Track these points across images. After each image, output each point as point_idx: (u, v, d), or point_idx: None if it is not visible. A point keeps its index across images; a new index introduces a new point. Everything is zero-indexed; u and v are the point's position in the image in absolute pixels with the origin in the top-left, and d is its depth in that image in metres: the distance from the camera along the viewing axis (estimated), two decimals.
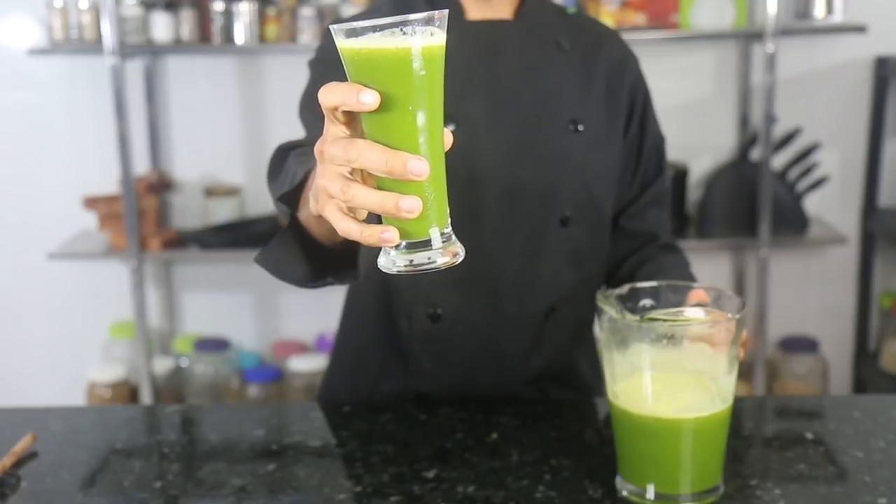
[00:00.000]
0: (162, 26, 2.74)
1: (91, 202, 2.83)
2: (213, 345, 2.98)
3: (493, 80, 1.27)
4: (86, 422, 1.29)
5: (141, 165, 2.94)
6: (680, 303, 1.07)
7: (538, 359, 1.33)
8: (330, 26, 0.77)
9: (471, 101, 1.25)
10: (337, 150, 0.77)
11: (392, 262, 0.78)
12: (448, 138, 0.79)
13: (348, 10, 2.74)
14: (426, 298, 1.28)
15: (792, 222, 2.84)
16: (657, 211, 1.41)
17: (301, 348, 3.05)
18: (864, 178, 2.95)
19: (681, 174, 2.85)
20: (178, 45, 2.78)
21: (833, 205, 2.98)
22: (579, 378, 1.39)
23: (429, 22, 0.74)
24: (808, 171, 2.86)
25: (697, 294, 1.07)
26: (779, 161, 2.86)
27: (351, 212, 0.80)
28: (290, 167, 1.06)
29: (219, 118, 2.98)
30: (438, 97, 0.77)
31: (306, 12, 2.72)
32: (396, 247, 0.78)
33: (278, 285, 3.27)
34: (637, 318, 1.02)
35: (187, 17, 2.74)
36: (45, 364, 3.12)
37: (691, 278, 1.32)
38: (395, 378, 1.35)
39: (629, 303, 1.07)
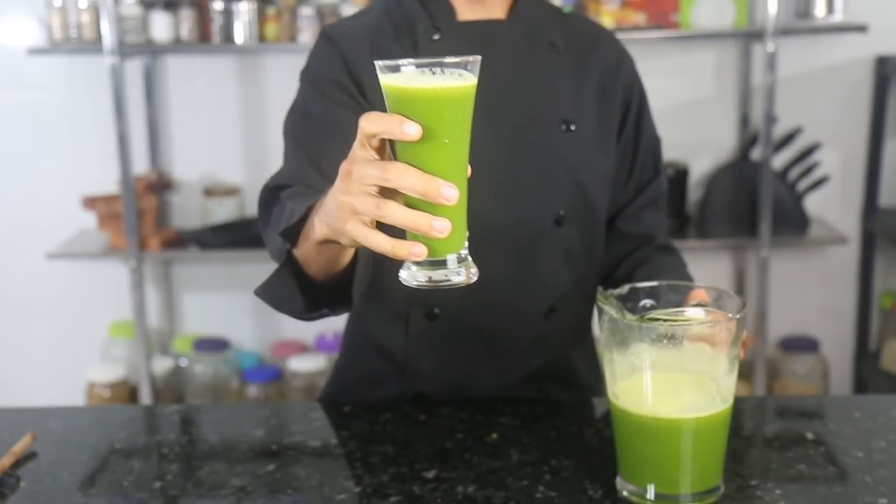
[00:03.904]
0: (161, 26, 2.74)
1: (90, 202, 2.83)
2: (213, 345, 2.97)
3: (485, 80, 1.26)
4: (85, 422, 1.29)
5: (140, 165, 2.93)
6: (680, 303, 1.07)
7: (537, 358, 1.33)
8: (375, 62, 0.84)
9: None
10: (372, 170, 0.83)
11: (413, 276, 0.86)
12: (468, 170, 0.86)
13: (348, 10, 2.73)
14: (423, 297, 1.28)
15: (792, 222, 2.84)
16: (653, 213, 1.41)
17: (301, 348, 3.04)
18: (865, 178, 2.94)
19: (681, 174, 2.85)
20: (177, 45, 2.77)
21: (834, 204, 2.98)
22: (578, 378, 1.39)
23: (462, 66, 0.82)
24: (808, 170, 2.86)
25: (698, 294, 1.07)
26: (779, 161, 2.86)
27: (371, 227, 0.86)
28: (286, 206, 1.11)
29: (218, 118, 2.98)
30: (466, 132, 0.84)
31: (306, 12, 2.72)
32: (419, 263, 0.85)
33: None
34: (637, 318, 1.02)
35: (187, 16, 2.74)
36: (45, 364, 3.12)
37: (688, 280, 1.31)
38: (395, 378, 1.34)
39: (629, 303, 1.07)
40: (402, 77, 0.82)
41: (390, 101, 0.84)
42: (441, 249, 0.85)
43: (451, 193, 0.81)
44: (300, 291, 1.08)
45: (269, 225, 1.18)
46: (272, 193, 1.21)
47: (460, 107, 0.83)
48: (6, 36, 2.94)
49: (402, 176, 0.81)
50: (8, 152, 3.00)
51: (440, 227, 0.82)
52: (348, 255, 1.05)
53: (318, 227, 0.96)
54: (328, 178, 1.18)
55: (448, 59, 0.82)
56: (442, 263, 0.85)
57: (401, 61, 0.82)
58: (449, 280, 0.85)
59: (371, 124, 0.83)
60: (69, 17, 2.75)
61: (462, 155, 0.84)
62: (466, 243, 0.87)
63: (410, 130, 0.80)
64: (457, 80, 0.82)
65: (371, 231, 0.86)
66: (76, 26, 2.75)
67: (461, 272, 0.86)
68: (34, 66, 2.92)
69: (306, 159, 1.22)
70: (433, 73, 0.82)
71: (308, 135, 1.25)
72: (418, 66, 0.82)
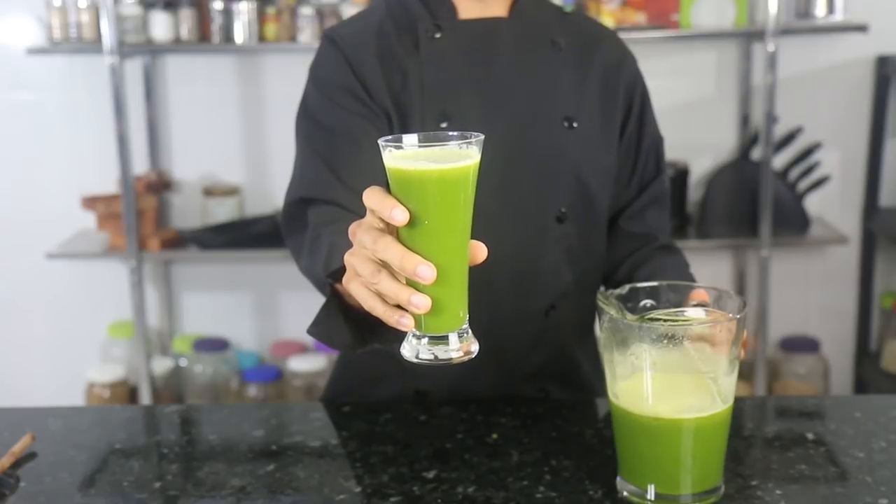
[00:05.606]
0: (161, 25, 2.74)
1: (90, 202, 2.83)
2: (213, 345, 2.97)
3: (487, 77, 1.27)
4: (85, 422, 1.29)
5: (140, 165, 2.93)
6: (680, 303, 1.06)
7: (538, 356, 1.33)
8: (378, 140, 0.85)
9: (464, 99, 1.25)
10: (367, 238, 0.86)
11: (414, 351, 0.87)
12: (482, 252, 0.87)
13: (348, 10, 2.73)
14: None
15: (793, 222, 2.83)
16: (656, 212, 1.40)
17: (300, 348, 3.04)
18: (866, 178, 2.94)
19: (681, 174, 2.85)
20: (177, 45, 2.77)
21: (834, 204, 2.98)
22: (580, 377, 1.39)
23: (465, 143, 0.83)
24: (809, 170, 2.86)
25: (698, 294, 1.07)
26: (780, 161, 2.86)
27: (377, 293, 0.88)
28: (321, 235, 1.13)
29: (218, 118, 2.98)
30: (463, 211, 0.84)
31: (306, 11, 2.72)
32: (418, 338, 0.87)
33: (278, 285, 3.25)
34: (637, 318, 1.02)
35: (186, 16, 2.74)
36: (44, 364, 3.12)
37: (690, 279, 1.31)
38: (396, 376, 1.34)
39: (629, 303, 1.07)
40: (398, 159, 0.83)
41: (389, 178, 0.85)
42: (440, 326, 0.86)
43: (426, 273, 0.82)
44: (347, 326, 1.07)
45: (300, 245, 1.19)
46: (299, 208, 1.22)
47: (456, 188, 0.83)
48: (6, 36, 2.94)
49: (385, 249, 0.84)
50: (8, 152, 3.00)
51: (417, 302, 0.83)
52: None
53: None
54: (349, 187, 1.19)
55: (452, 135, 0.83)
56: (443, 340, 0.86)
57: (404, 137, 0.84)
58: (448, 357, 0.86)
59: (369, 201, 0.85)
60: (69, 17, 2.75)
61: (458, 234, 0.85)
62: (467, 319, 0.88)
63: (397, 216, 0.82)
64: (454, 161, 0.82)
65: (369, 294, 0.88)
66: (76, 26, 2.75)
67: (460, 350, 0.87)
68: (34, 66, 2.92)
69: (326, 168, 1.23)
70: (434, 149, 0.83)
71: (325, 144, 1.25)
72: (420, 144, 0.83)
